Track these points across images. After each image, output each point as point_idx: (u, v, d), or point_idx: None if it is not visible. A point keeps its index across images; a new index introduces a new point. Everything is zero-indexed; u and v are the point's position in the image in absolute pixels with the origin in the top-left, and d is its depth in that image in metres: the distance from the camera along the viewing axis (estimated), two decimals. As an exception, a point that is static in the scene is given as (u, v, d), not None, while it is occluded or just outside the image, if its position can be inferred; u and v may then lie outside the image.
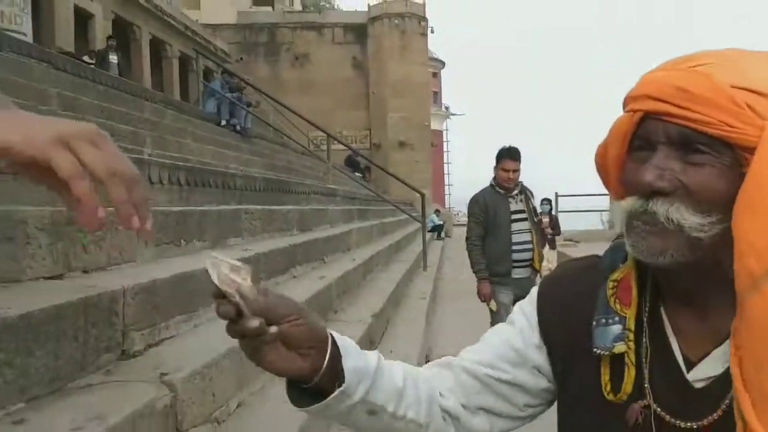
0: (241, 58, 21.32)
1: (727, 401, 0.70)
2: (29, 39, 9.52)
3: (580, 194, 16.49)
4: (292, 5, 25.85)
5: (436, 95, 37.87)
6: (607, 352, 0.76)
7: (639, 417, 0.75)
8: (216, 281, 0.65)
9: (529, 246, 4.46)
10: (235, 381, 2.22)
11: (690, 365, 0.75)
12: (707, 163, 0.68)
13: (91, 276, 2.17)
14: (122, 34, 14.10)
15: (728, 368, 0.69)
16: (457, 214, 34.03)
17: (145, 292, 2.10)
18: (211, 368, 2.03)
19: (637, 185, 0.72)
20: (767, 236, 0.63)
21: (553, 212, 11.65)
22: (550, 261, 8.52)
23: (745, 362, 0.64)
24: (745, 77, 0.68)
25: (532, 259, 4.48)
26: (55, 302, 1.65)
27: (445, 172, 37.16)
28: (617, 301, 0.79)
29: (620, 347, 0.76)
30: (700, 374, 0.74)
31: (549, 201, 11.08)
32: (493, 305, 4.41)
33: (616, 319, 0.77)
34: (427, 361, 1.50)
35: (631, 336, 0.76)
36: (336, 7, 25.69)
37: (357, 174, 16.22)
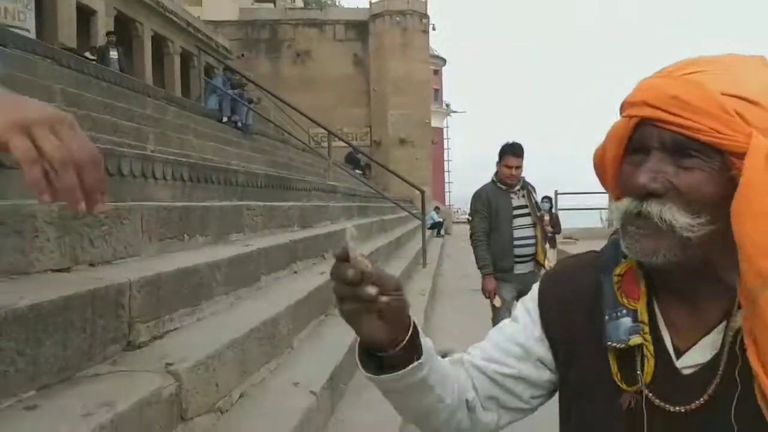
0: (243, 55, 21.33)
1: (713, 386, 0.75)
2: (32, 35, 9.54)
3: (579, 192, 16.47)
4: (294, 2, 25.84)
5: (437, 92, 37.88)
6: (623, 345, 0.79)
7: (632, 402, 0.79)
8: (353, 248, 0.70)
9: (532, 241, 4.44)
10: (237, 373, 2.28)
11: (679, 354, 0.79)
12: (697, 167, 0.73)
13: (98, 269, 2.21)
14: (124, 30, 14.12)
15: (715, 355, 0.76)
16: (457, 211, 34.05)
17: (150, 285, 2.15)
18: (214, 359, 2.08)
19: (632, 187, 0.76)
20: None
21: (553, 210, 11.68)
22: (550, 260, 8.53)
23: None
24: (736, 85, 0.72)
25: (534, 254, 4.45)
26: (64, 294, 1.70)
27: (446, 169, 37.15)
28: (623, 294, 0.83)
29: (636, 339, 0.79)
30: (689, 361, 0.78)
31: (549, 199, 11.12)
32: (497, 301, 4.37)
33: (624, 312, 0.81)
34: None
35: (646, 329, 0.80)
36: (338, 3, 25.70)
37: (357, 171, 16.23)
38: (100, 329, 1.84)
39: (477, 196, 4.55)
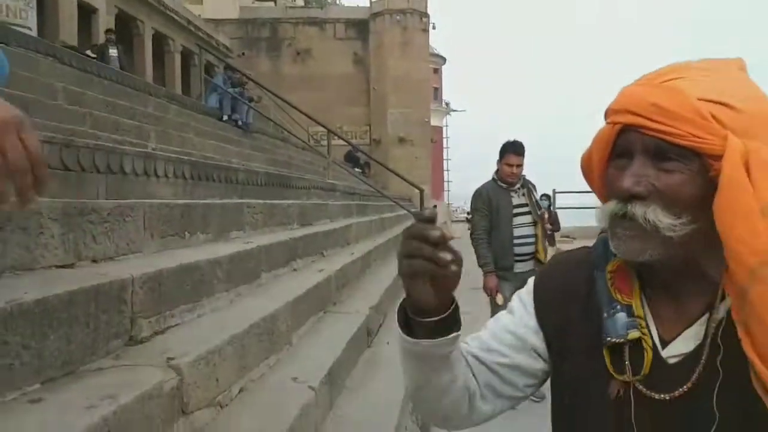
0: (243, 53, 21.33)
1: (696, 375, 0.79)
2: (34, 33, 9.56)
3: (577, 191, 16.50)
4: (294, 0, 25.83)
5: (437, 91, 37.84)
6: (622, 340, 0.83)
7: (621, 391, 0.83)
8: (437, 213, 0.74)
9: (531, 240, 4.45)
10: (237, 368, 2.31)
11: (665, 344, 0.83)
12: (677, 170, 0.77)
13: (101, 265, 2.25)
14: (125, 28, 14.14)
15: (698, 346, 0.80)
16: (456, 210, 34.03)
17: (152, 282, 2.18)
18: (214, 355, 2.12)
19: (617, 190, 0.81)
20: (753, 232, 0.70)
21: (552, 208, 11.69)
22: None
23: (763, 348, 0.70)
24: (712, 89, 0.76)
25: (535, 252, 4.46)
26: (68, 289, 1.72)
27: (445, 168, 37.15)
28: (617, 291, 0.87)
29: (633, 334, 0.82)
30: (674, 351, 0.82)
31: (548, 196, 11.12)
32: (500, 299, 4.36)
33: (618, 307, 0.85)
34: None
35: (643, 323, 0.83)
36: (338, 2, 25.68)
37: (357, 169, 16.26)
38: (103, 324, 1.87)
39: (477, 195, 4.56)
